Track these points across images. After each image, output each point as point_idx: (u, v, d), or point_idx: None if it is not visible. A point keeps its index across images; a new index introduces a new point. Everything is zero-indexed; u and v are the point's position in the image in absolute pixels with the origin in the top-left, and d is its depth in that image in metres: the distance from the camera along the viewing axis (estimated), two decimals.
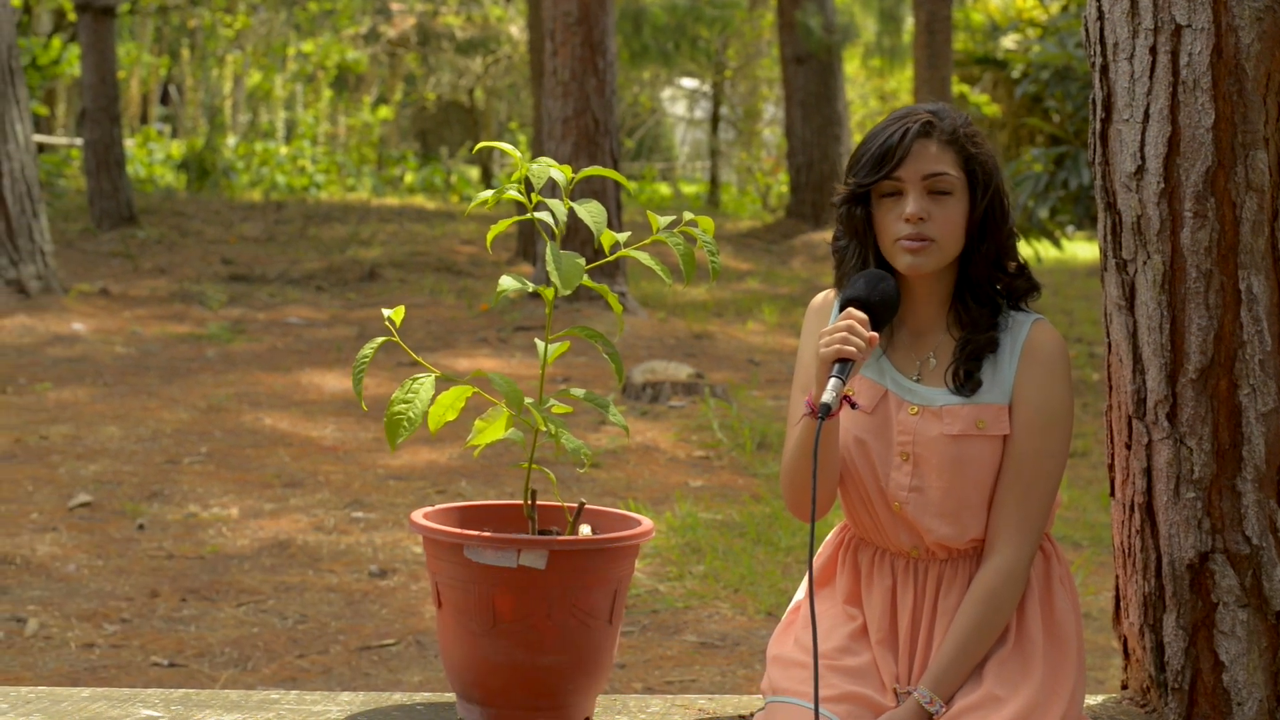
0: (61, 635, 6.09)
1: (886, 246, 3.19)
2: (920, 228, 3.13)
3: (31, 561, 6.91)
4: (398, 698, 3.53)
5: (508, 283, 3.24)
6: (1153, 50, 3.35)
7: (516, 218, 3.35)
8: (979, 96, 25.24)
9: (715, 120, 30.61)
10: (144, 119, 32.46)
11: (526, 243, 17.35)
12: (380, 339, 3.27)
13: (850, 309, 3.10)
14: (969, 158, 3.17)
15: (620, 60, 24.68)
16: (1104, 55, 3.48)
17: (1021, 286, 3.23)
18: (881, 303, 3.13)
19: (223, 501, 7.97)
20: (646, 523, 3.32)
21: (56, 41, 25.57)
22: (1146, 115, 3.37)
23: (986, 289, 3.21)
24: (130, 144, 26.84)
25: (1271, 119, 3.31)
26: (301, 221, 20.86)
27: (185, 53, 32.15)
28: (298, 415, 10.05)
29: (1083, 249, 22.21)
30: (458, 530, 3.21)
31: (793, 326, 14.22)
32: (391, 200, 25.34)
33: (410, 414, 3.18)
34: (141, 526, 7.54)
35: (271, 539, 7.40)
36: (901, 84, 29.13)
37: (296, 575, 6.91)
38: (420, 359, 3.46)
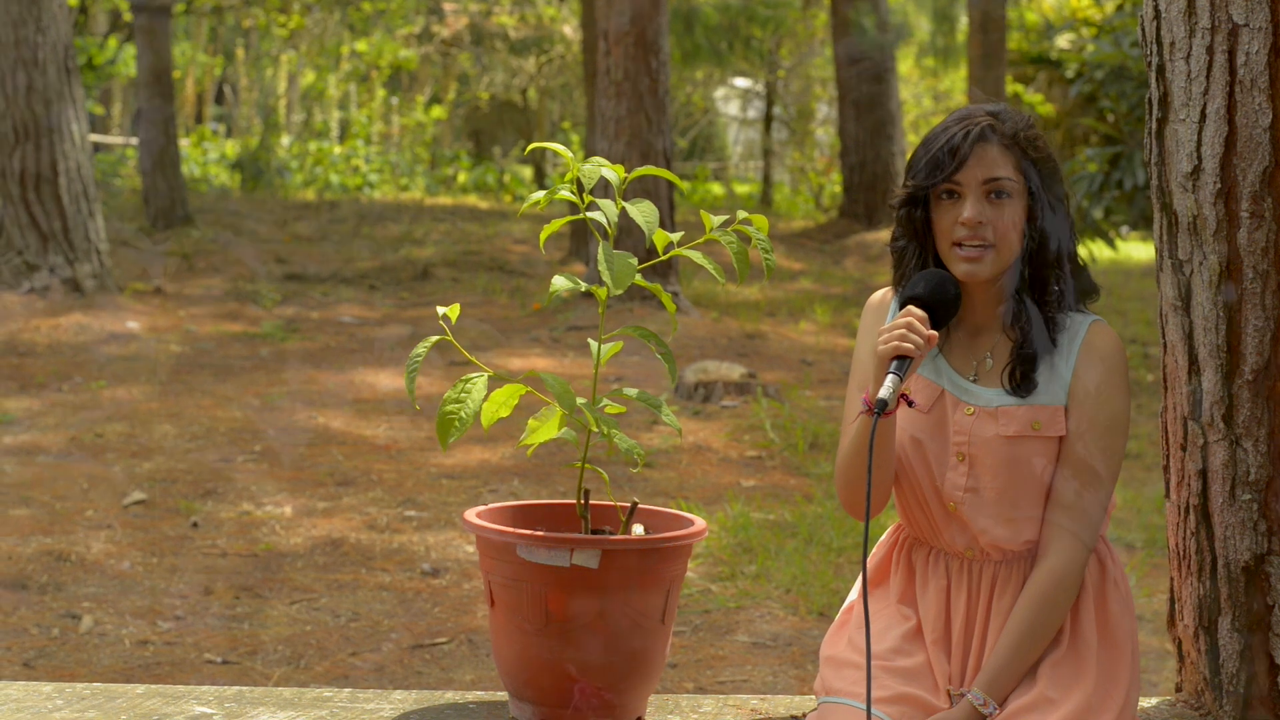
0: (116, 632, 6.12)
1: (943, 249, 3.17)
2: (978, 231, 3.12)
3: (86, 559, 6.95)
4: (450, 696, 3.54)
5: (560, 282, 3.24)
6: (1210, 49, 3.33)
7: (569, 218, 3.35)
8: (1033, 96, 25.15)
9: (768, 120, 30.59)
10: (199, 119, 32.60)
11: (579, 242, 17.36)
12: (434, 338, 3.27)
13: (910, 306, 3.09)
14: (1030, 161, 3.15)
15: (673, 60, 24.68)
16: (1160, 54, 3.46)
17: (1080, 288, 3.21)
18: (941, 302, 3.12)
19: (276, 500, 8.00)
20: (699, 523, 3.31)
21: (113, 41, 25.70)
22: (1203, 115, 3.36)
23: (1045, 291, 3.19)
24: (185, 143, 26.94)
25: None
26: (355, 221, 20.92)
27: (240, 52, 32.27)
28: (351, 414, 10.08)
29: (1137, 249, 22.10)
30: (511, 529, 3.22)
31: (845, 326, 14.19)
32: (444, 200, 25.37)
33: (462, 413, 3.18)
34: (195, 524, 7.57)
35: (324, 537, 7.42)
36: (955, 84, 29.04)
37: (349, 573, 6.92)
38: (473, 358, 3.46)
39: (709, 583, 6.90)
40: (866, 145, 21.43)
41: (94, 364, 11.54)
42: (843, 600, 3.34)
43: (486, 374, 3.26)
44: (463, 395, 3.21)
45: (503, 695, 3.53)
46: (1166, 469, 3.59)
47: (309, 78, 31.50)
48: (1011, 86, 24.63)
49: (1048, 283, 3.18)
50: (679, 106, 31.58)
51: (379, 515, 7.74)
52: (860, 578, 3.18)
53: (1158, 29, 3.46)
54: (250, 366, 11.58)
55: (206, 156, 26.76)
